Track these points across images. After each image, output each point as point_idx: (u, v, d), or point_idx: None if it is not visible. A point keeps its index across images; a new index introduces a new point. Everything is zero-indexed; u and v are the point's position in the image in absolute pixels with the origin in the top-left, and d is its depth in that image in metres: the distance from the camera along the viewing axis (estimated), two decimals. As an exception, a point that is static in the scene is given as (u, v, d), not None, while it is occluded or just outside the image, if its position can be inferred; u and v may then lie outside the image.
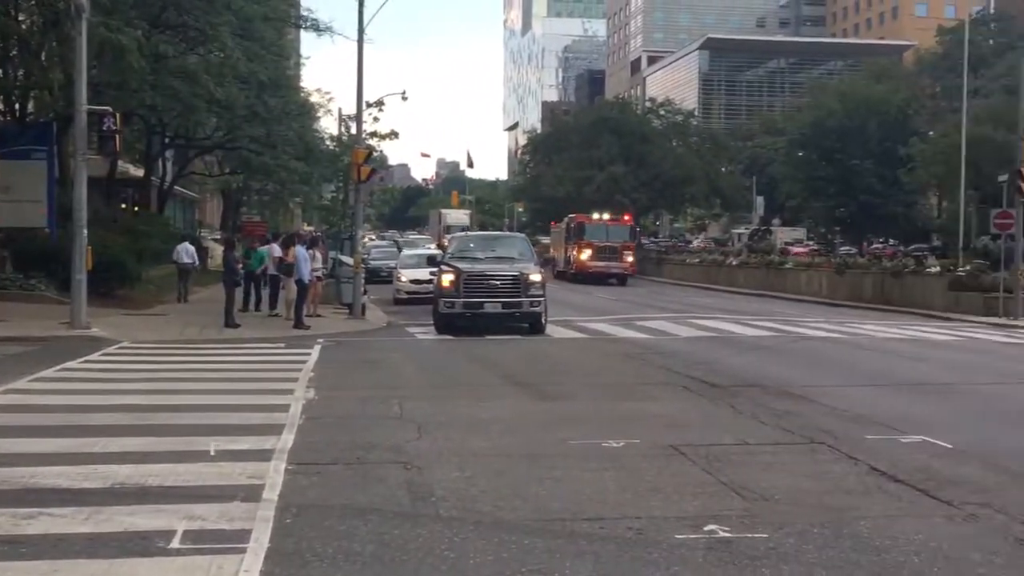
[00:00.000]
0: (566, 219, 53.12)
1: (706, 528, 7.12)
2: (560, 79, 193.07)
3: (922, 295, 33.30)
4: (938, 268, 34.61)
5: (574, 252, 49.81)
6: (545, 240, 62.18)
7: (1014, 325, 27.30)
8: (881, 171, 66.74)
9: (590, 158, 68.95)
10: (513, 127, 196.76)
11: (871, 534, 7.07)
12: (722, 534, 6.99)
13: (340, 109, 48.92)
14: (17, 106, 30.09)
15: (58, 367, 15.10)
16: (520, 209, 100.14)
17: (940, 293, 32.42)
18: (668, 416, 11.77)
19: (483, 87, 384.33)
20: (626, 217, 51.67)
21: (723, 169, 74.95)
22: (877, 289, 35.83)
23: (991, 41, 76.24)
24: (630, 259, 49.43)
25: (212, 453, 9.14)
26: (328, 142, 48.57)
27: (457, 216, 77.77)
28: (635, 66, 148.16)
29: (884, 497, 8.15)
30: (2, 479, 7.99)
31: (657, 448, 9.81)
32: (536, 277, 21.78)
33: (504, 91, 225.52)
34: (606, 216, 50.55)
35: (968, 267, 33.30)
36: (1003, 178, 32.58)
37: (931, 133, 60.61)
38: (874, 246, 73.14)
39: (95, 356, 16.16)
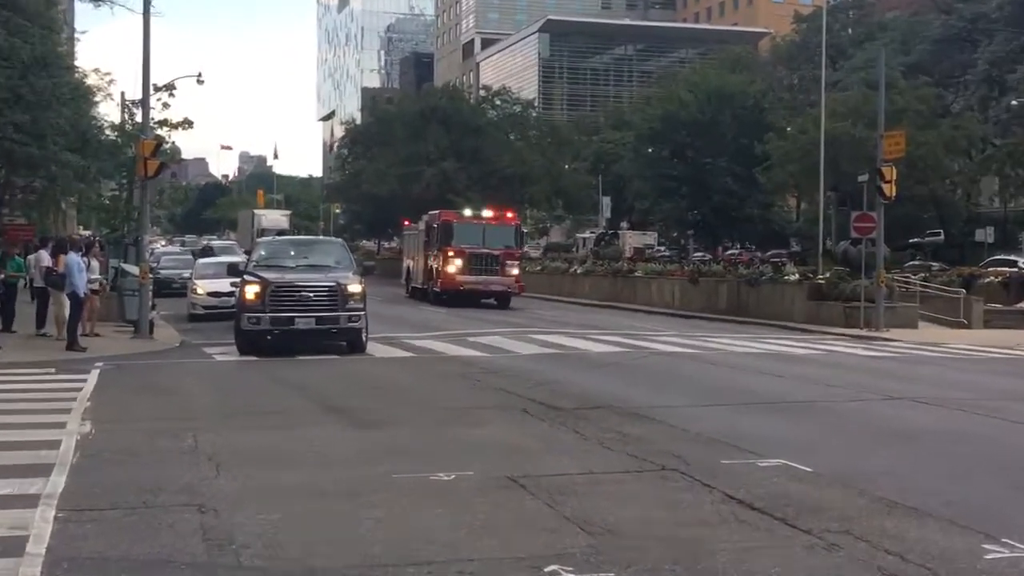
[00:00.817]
0: (426, 217, 44.69)
1: (547, 569, 7.20)
2: (382, 63, 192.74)
3: (780, 305, 34.66)
4: (797, 276, 36.05)
5: (438, 263, 40.95)
6: (370, 245, 61.03)
7: (875, 337, 28.74)
8: (736, 170, 69.31)
9: (417, 152, 69.09)
10: (329, 116, 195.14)
11: (727, 568, 7.29)
12: (565, 575, 7.07)
13: (123, 93, 47.50)
14: None
15: None
16: (338, 210, 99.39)
17: (799, 303, 33.83)
18: (505, 444, 11.84)
19: (294, 71, 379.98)
20: (509, 215, 43.12)
21: (566, 166, 76.33)
22: (733, 299, 37.11)
23: (849, 30, 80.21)
24: (515, 271, 41.06)
25: (-36, 500, 8.69)
26: (109, 131, 47.01)
27: (274, 218, 76.12)
28: (467, 49, 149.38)
29: (741, 527, 8.41)
30: None
31: (493, 480, 9.86)
32: (356, 288, 21.64)
33: (318, 75, 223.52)
34: (485, 214, 42.19)
35: (827, 274, 34.82)
36: (863, 178, 34.31)
37: (788, 128, 63.25)
38: (729, 252, 75.87)
39: None
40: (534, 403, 14.90)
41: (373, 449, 11.52)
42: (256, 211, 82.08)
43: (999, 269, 43.92)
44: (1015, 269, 44.09)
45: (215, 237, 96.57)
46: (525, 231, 43.98)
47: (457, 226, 40.95)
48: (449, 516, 8.62)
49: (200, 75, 49.93)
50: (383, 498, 9.17)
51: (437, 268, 41.20)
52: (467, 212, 42.44)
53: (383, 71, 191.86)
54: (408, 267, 47.47)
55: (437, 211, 43.81)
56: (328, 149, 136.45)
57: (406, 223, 52.27)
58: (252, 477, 10.00)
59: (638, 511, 8.83)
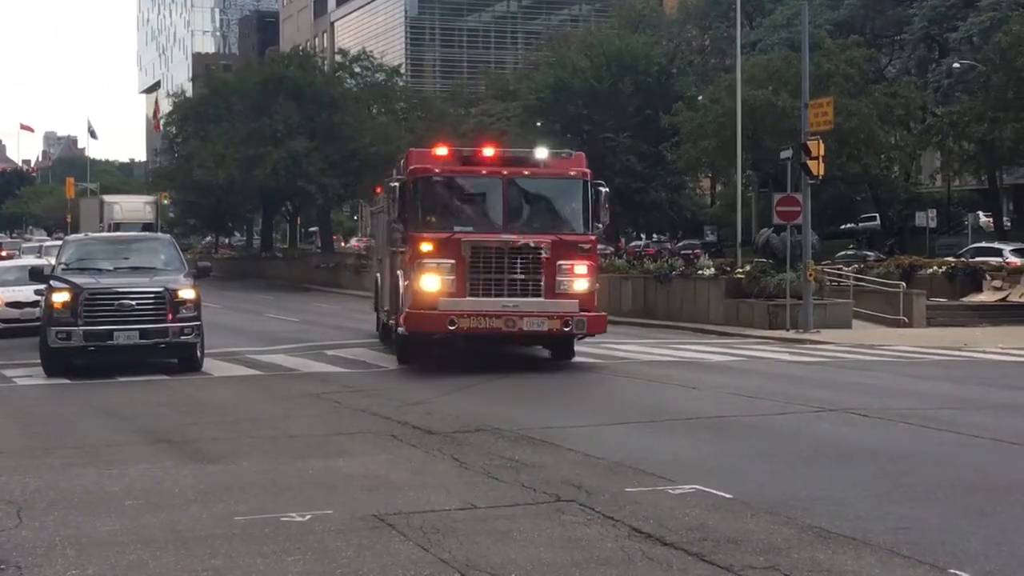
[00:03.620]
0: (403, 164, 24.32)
1: (422, 623, 7.17)
2: (217, 23, 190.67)
3: (694, 305, 35.16)
4: (712, 270, 36.54)
5: (406, 270, 22.30)
6: (208, 241, 58.64)
7: (804, 340, 29.32)
8: (640, 147, 70.15)
9: (261, 130, 68.38)
10: (153, 88, 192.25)
11: (634, 615, 7.34)
12: (443, 630, 7.06)
13: None
14: None
15: None
16: (166, 201, 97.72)
17: (716, 301, 34.36)
18: (370, 476, 11.80)
19: (109, 34, 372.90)
20: (569, 158, 24.13)
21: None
22: (638, 298, 37.51)
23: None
24: (584, 283, 21.80)
25: None
26: None
27: (133, 207, 71.26)
28: (319, 7, 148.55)
29: (650, 566, 8.49)
30: None
31: (356, 520, 9.81)
32: (188, 294, 21.34)
33: (139, 39, 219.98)
34: (509, 154, 23.91)
35: (748, 268, 35.36)
36: (786, 154, 35.00)
37: (700, 98, 64.21)
38: (634, 243, 76.76)
39: None
40: (405, 426, 14.88)
41: (211, 487, 11.35)
42: (107, 198, 76.25)
43: (987, 260, 44.70)
44: (1001, 260, 44.99)
45: (43, 234, 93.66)
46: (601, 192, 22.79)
47: (443, 183, 22.43)
48: (303, 565, 8.53)
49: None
50: (222, 546, 9.05)
51: (405, 284, 22.41)
52: (486, 151, 23.09)
53: (218, 33, 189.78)
54: (376, 281, 29.54)
55: (409, 152, 24.27)
56: (152, 127, 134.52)
57: (377, 190, 33.11)
58: (63, 524, 9.79)
59: (529, 551, 8.85)
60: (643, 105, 72.00)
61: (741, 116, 47.49)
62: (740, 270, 35.64)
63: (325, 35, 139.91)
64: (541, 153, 23.01)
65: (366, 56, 79.73)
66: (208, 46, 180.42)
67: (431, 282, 21.15)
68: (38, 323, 23.20)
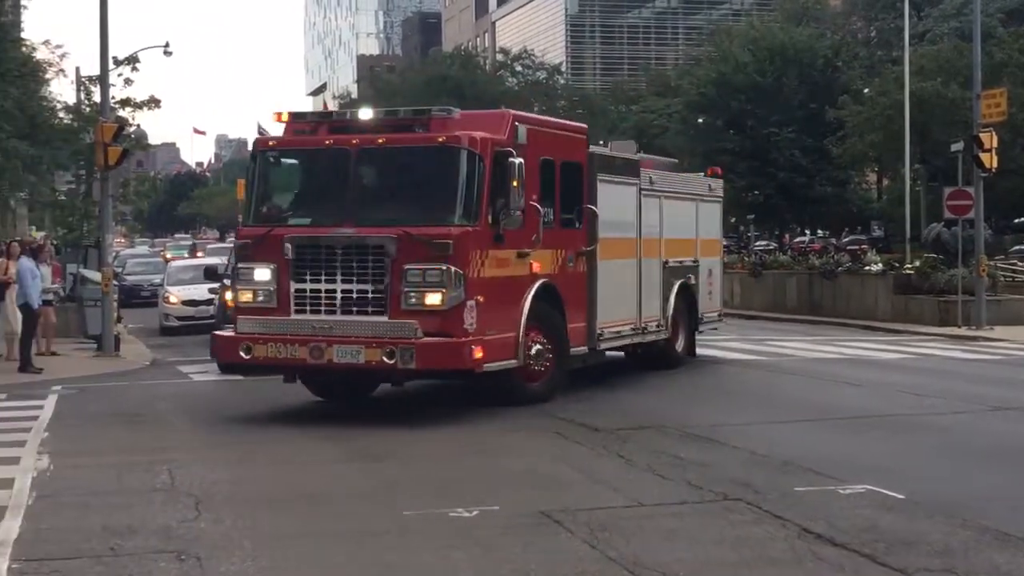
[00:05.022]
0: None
1: (590, 620, 7.18)
2: (381, 25, 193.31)
3: (861, 301, 34.50)
4: (880, 265, 35.87)
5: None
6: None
7: (977, 336, 28.54)
8: (805, 141, 69.04)
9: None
10: (319, 90, 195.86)
11: (805, 616, 7.25)
12: (612, 627, 7.07)
13: (78, 69, 47.47)
14: None
15: None
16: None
17: (884, 298, 33.66)
18: (536, 472, 11.86)
19: (278, 38, 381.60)
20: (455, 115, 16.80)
21: (601, 142, 76.33)
22: (804, 295, 36.96)
23: (937, -29, 79.92)
24: (435, 300, 15.32)
25: (-98, 552, 8.76)
26: (62, 114, 47.33)
27: None
28: (481, 7, 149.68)
29: (820, 567, 8.38)
30: None
31: (522, 516, 9.86)
32: None
33: (306, 42, 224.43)
34: (366, 115, 17.50)
35: (917, 263, 34.61)
36: (957, 147, 34.09)
37: (866, 91, 62.97)
38: (799, 239, 75.58)
39: None
40: (569, 424, 14.89)
41: (379, 483, 11.56)
42: None
43: None
44: None
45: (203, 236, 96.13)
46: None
47: (280, 159, 17.51)
48: (472, 560, 8.62)
49: (167, 45, 50.03)
50: (393, 541, 9.19)
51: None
52: (317, 115, 20.24)
53: (382, 35, 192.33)
54: None
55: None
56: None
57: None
58: (238, 517, 10.04)
59: (696, 550, 8.80)
60: (807, 99, 70.80)
61: (909, 108, 46.41)
62: (909, 266, 34.91)
63: (486, 35, 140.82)
64: (421, 113, 16.64)
65: (527, 55, 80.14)
66: (372, 48, 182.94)
67: (244, 294, 16.18)
68: (212, 321, 23.77)
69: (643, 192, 19.94)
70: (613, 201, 18.72)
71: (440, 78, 73.95)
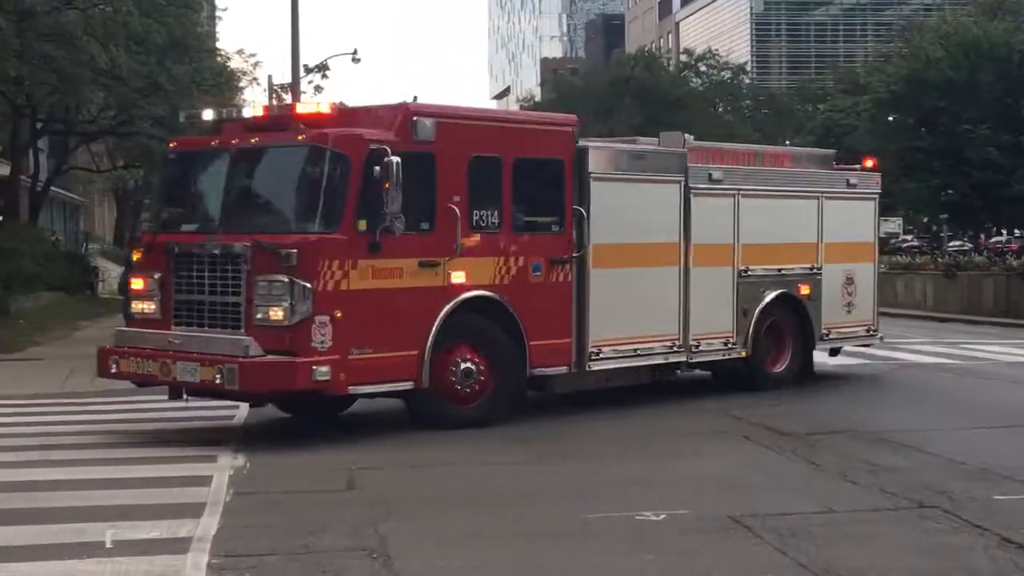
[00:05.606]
0: None
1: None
2: (564, 28, 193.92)
3: (1062, 303, 33.35)
4: (1082, 266, 34.67)
5: None
6: None
7: None
8: (1001, 138, 67.00)
9: (608, 131, 69.18)
10: (503, 94, 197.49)
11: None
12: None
13: (270, 77, 48.98)
14: None
15: None
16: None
17: (1087, 300, 32.47)
18: (723, 476, 11.75)
19: (462, 42, 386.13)
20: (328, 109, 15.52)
21: (787, 141, 75.31)
22: (1001, 297, 35.87)
23: None
24: (277, 315, 13.82)
25: (108, 544, 9.09)
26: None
27: None
28: (664, 8, 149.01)
29: (1022, 578, 8.12)
30: None
31: (711, 520, 9.78)
32: None
33: (490, 46, 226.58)
34: (250, 112, 16.21)
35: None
36: None
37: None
38: (995, 239, 73.34)
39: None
40: (756, 427, 14.74)
41: (566, 485, 11.57)
42: None
43: None
44: None
45: None
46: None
47: (179, 161, 16.42)
48: (659, 564, 8.57)
49: (355, 52, 51.09)
50: (577, 543, 9.20)
51: None
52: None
53: (565, 38, 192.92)
54: None
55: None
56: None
57: None
58: (425, 517, 10.17)
59: (891, 558, 8.61)
60: (1003, 95, 68.69)
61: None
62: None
63: (670, 35, 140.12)
64: (302, 108, 15.77)
65: (711, 55, 79.58)
66: (555, 51, 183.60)
67: (135, 303, 15.42)
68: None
69: (694, 191, 17.28)
70: (625, 201, 16.54)
71: (623, 80, 73.89)
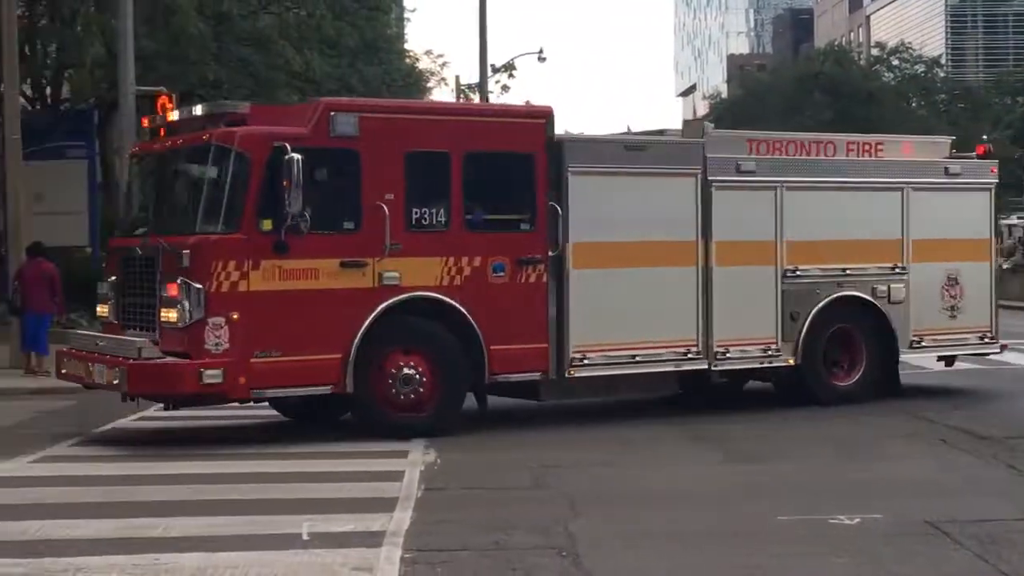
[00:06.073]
0: None
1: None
2: (751, 24, 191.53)
3: None
4: None
5: None
6: None
7: None
8: None
9: (797, 127, 68.13)
10: (689, 91, 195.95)
11: None
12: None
13: (457, 77, 49.50)
14: (48, 91, 31.51)
15: (108, 426, 15.70)
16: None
17: None
18: (919, 480, 11.52)
19: (647, 39, 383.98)
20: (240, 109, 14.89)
21: (984, 136, 73.07)
22: None
23: None
24: (172, 317, 13.77)
25: (305, 537, 9.31)
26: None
27: None
28: (855, 1, 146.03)
29: None
30: (39, 573, 8.30)
31: (906, 525, 9.58)
32: None
33: (676, 44, 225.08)
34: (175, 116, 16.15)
35: None
36: None
37: None
38: None
39: (151, 412, 16.72)
40: (952, 430, 14.39)
41: (751, 486, 11.46)
42: None
43: None
44: None
45: None
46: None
47: (138, 163, 16.67)
48: (852, 567, 8.42)
49: (541, 52, 51.32)
50: (767, 544, 9.08)
51: None
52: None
53: (752, 34, 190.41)
54: None
55: None
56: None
57: None
58: (612, 516, 10.18)
59: (1100, 568, 8.30)
60: None
61: None
62: None
63: (861, 29, 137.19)
64: (214, 108, 14.97)
65: (904, 48, 77.66)
66: (742, 47, 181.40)
67: (100, 307, 15.62)
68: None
69: (715, 184, 15.83)
70: (619, 197, 15.37)
71: (812, 75, 72.56)
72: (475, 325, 14.26)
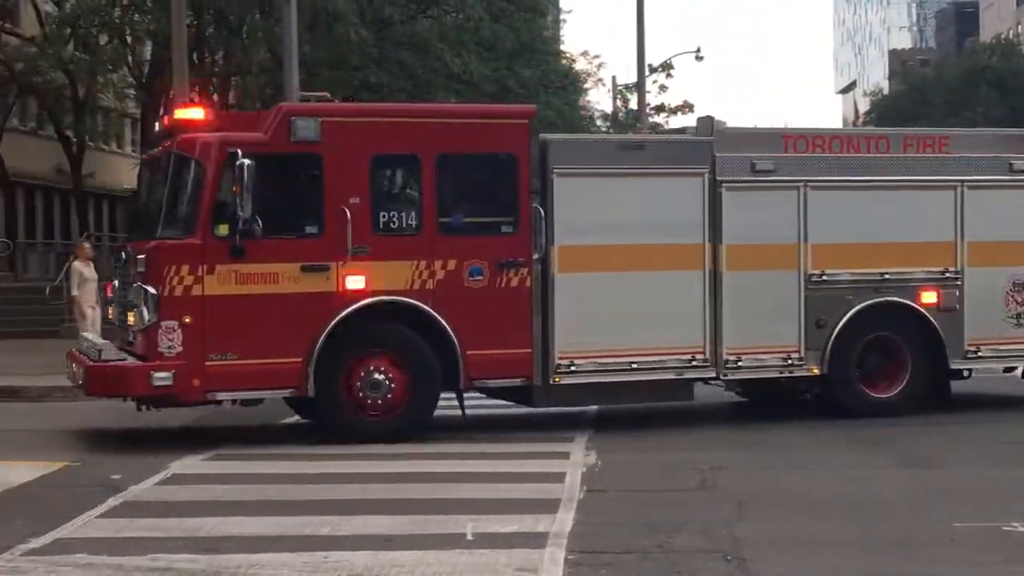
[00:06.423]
0: None
1: None
2: (913, 18, 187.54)
3: None
4: None
5: None
6: None
7: None
8: None
9: (964, 123, 66.52)
10: (849, 88, 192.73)
11: None
12: None
13: (614, 78, 49.42)
14: (215, 97, 32.36)
15: (289, 420, 16.08)
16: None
17: None
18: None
19: (805, 36, 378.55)
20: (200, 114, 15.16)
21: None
22: None
23: None
24: (131, 320, 14.34)
25: (469, 537, 9.38)
26: (600, 122, 49.32)
27: None
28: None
29: None
30: (215, 569, 8.51)
31: (1086, 534, 9.29)
32: None
33: (835, 39, 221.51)
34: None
35: None
36: None
37: None
38: None
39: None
40: None
41: (928, 492, 11.25)
42: None
43: None
44: None
45: None
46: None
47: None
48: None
49: (699, 50, 50.93)
50: (942, 552, 8.89)
51: None
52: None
53: (914, 28, 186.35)
54: None
55: None
56: (850, 126, 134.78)
57: None
58: (779, 520, 10.07)
59: None
60: None
61: None
62: None
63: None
64: (181, 114, 14.98)
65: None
66: (904, 42, 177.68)
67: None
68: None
69: (726, 184, 15.10)
70: (612, 199, 14.85)
71: (978, 70, 70.81)
72: (448, 329, 14.01)
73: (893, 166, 15.73)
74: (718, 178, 15.03)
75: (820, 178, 15.37)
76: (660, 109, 38.29)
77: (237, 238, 13.40)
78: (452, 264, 14.10)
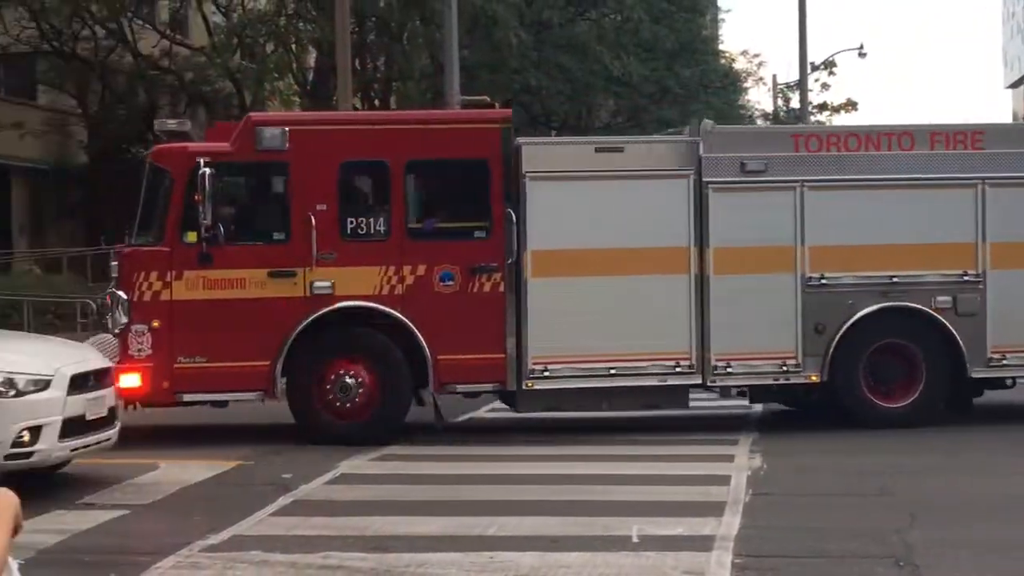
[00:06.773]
0: None
1: None
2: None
3: None
4: None
5: None
6: None
7: None
8: None
9: None
10: (1019, 82, 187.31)
11: None
12: None
13: (775, 76, 48.83)
14: (377, 103, 32.92)
15: (456, 420, 16.22)
16: None
17: None
18: None
19: (972, 30, 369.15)
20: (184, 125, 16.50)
21: None
22: None
23: None
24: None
25: (635, 539, 9.38)
26: (761, 121, 48.82)
27: None
28: None
29: None
30: (385, 567, 8.68)
31: None
32: None
33: (1004, 32, 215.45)
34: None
35: None
36: None
37: None
38: None
39: (482, 413, 17.20)
40: None
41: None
42: None
43: None
44: None
45: None
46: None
47: None
48: None
49: (862, 47, 50.08)
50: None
51: None
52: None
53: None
54: None
55: None
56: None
57: None
58: (956, 526, 9.89)
59: None
60: None
61: None
62: None
63: None
64: (160, 127, 15.88)
65: None
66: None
67: None
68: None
69: (713, 185, 14.47)
70: (587, 203, 14.45)
71: None
72: (418, 334, 14.05)
73: (904, 164, 14.83)
74: (705, 179, 14.55)
75: (819, 178, 14.70)
76: (823, 107, 37.71)
77: (204, 245, 13.86)
78: (422, 269, 14.19)
